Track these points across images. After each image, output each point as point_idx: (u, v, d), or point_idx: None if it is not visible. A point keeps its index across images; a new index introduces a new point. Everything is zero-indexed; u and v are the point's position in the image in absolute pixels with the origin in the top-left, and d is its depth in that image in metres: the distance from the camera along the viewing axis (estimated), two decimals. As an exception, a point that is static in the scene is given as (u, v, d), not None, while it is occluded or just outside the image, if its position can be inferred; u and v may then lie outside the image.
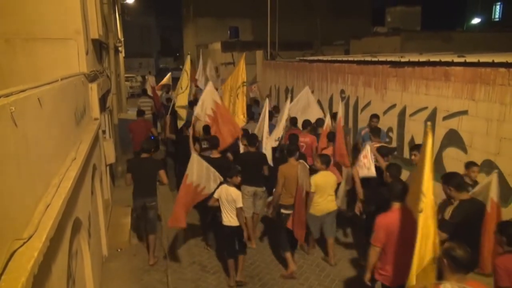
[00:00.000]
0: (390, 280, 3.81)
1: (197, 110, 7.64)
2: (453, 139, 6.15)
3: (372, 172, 5.88)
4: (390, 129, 7.51)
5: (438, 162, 6.40)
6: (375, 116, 7.31)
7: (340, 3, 25.68)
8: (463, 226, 3.91)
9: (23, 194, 2.32)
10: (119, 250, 6.55)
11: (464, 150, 5.97)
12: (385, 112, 7.65)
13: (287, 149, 6.04)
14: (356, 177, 5.84)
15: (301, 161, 5.61)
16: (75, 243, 3.92)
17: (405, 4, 17.72)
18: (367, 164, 5.99)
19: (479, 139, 5.74)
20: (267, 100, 7.84)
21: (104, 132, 7.63)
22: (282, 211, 5.85)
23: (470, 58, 6.04)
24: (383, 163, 5.56)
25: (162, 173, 6.04)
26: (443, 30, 16.71)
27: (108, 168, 7.87)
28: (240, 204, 5.22)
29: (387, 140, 7.40)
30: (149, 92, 13.21)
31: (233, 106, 8.42)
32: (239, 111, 8.24)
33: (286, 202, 5.74)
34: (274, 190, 5.93)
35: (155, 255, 6.17)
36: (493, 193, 4.22)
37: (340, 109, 6.71)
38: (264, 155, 6.70)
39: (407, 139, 7.15)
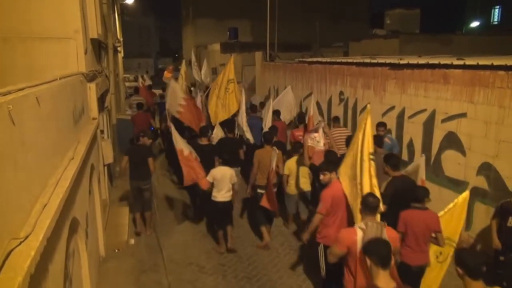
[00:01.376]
0: (331, 241, 4.29)
1: (167, 107, 8.94)
2: (451, 141, 6.16)
3: (321, 146, 6.54)
4: (388, 131, 7.52)
5: (436, 164, 6.41)
6: (381, 125, 6.79)
7: (339, 5, 25.75)
8: (396, 197, 4.69)
9: (20, 194, 2.31)
10: (116, 250, 6.52)
11: (463, 152, 5.98)
12: (383, 114, 7.66)
13: (264, 136, 6.92)
14: (305, 145, 6.38)
15: (274, 147, 6.30)
16: (72, 243, 3.90)
17: (404, 7, 17.77)
18: (317, 138, 6.70)
19: (477, 142, 5.74)
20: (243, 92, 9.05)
21: (102, 132, 7.60)
22: (258, 190, 6.62)
23: (469, 61, 6.06)
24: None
25: (150, 160, 6.75)
26: (442, 33, 16.76)
27: (106, 168, 7.85)
28: (235, 180, 6.19)
29: (395, 150, 6.72)
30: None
31: (222, 100, 9.40)
32: (229, 103, 9.27)
33: (261, 182, 6.53)
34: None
35: (150, 227, 7.14)
36: (422, 174, 5.19)
37: (312, 106, 7.67)
38: (240, 141, 7.97)
39: (405, 141, 7.15)
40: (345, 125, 9.03)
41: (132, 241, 6.84)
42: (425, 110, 6.68)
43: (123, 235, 6.86)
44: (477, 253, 2.83)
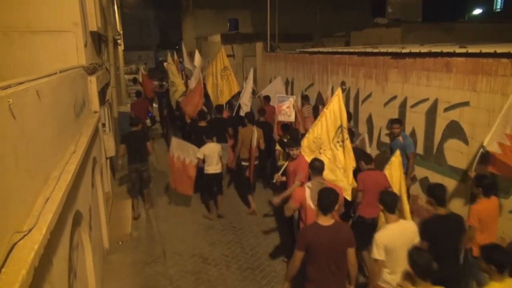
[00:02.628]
0: None
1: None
2: (454, 130, 6.12)
3: (292, 119, 7.94)
4: (391, 121, 7.49)
5: (439, 153, 6.38)
6: (396, 122, 6.49)
7: (340, -6, 25.46)
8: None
9: (22, 187, 2.31)
10: (120, 243, 6.57)
11: (466, 141, 5.95)
12: (385, 104, 7.62)
13: (246, 117, 7.86)
14: (276, 121, 7.82)
15: (255, 126, 7.48)
16: (76, 236, 3.92)
17: (406, -5, 17.57)
18: (288, 112, 8.00)
19: (480, 131, 5.70)
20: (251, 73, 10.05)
21: (104, 125, 7.61)
22: (243, 163, 7.69)
23: (472, 49, 5.99)
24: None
25: (148, 144, 7.51)
26: (444, 21, 16.58)
27: (108, 161, 7.87)
28: (221, 153, 7.26)
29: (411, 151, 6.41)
30: (140, 80, 15.12)
31: (220, 87, 10.27)
32: (228, 88, 10.13)
33: (245, 156, 7.61)
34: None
35: (148, 201, 7.96)
36: (367, 146, 6.32)
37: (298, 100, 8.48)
38: (227, 120, 8.87)
39: (408, 131, 7.11)
40: (347, 116, 8.98)
41: (136, 234, 6.88)
42: (427, 99, 6.63)
43: (126, 227, 6.90)
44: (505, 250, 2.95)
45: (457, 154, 6.06)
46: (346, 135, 5.42)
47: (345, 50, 9.87)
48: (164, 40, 43.94)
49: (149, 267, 5.89)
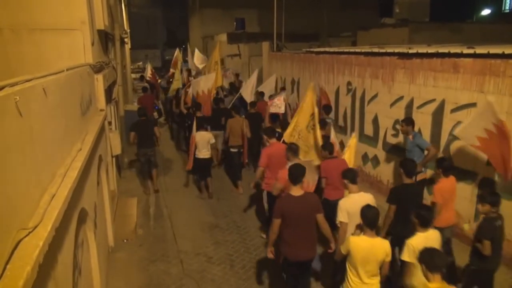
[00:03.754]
0: (271, 187, 5.78)
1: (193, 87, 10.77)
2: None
3: (282, 110, 8.93)
4: (397, 122, 7.45)
5: (446, 155, 6.33)
6: (402, 121, 6.58)
7: (347, -6, 25.36)
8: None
9: (28, 184, 2.33)
10: (125, 240, 6.59)
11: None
12: (392, 105, 7.59)
13: (233, 109, 9.21)
14: (267, 112, 8.74)
15: (243, 116, 8.96)
16: (81, 234, 3.94)
17: (413, -5, 17.48)
18: (279, 105, 8.95)
19: (487, 132, 5.66)
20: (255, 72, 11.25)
21: (110, 123, 7.64)
22: (231, 150, 8.85)
23: (480, 50, 5.95)
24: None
25: (156, 129, 8.53)
26: (452, 21, 16.46)
27: (114, 159, 7.90)
28: (213, 141, 8.16)
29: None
30: (147, 77, 16.43)
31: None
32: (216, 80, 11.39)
33: (233, 143, 8.75)
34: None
35: (155, 184, 8.73)
36: (333, 136, 6.75)
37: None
38: (224, 112, 9.71)
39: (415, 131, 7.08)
40: (353, 115, 8.99)
41: (141, 231, 6.91)
42: (434, 100, 6.59)
43: (131, 225, 6.93)
44: None
45: (465, 155, 6.01)
46: (316, 121, 6.54)
47: (352, 50, 9.84)
48: (171, 39, 43.98)
49: (153, 265, 5.91)
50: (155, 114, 12.60)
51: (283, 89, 10.62)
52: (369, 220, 3.83)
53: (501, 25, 15.59)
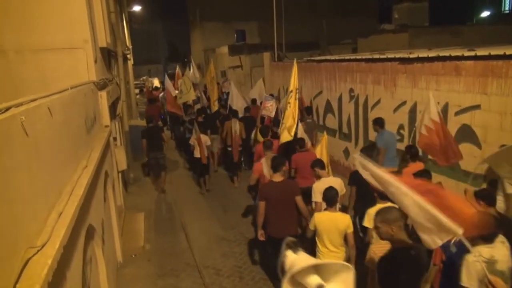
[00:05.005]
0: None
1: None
2: (466, 134, 6.05)
3: (272, 115, 9.50)
4: (401, 126, 7.43)
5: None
6: (374, 121, 7.20)
7: (346, 2, 25.53)
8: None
9: (35, 202, 2.34)
10: (133, 256, 6.58)
11: (478, 145, 5.87)
12: (395, 110, 7.57)
13: (231, 113, 10.29)
14: (259, 115, 9.70)
15: (237, 120, 9.78)
16: (89, 250, 3.95)
17: (412, 0, 17.56)
18: (270, 109, 9.53)
19: (493, 134, 5.63)
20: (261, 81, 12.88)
21: (115, 139, 7.68)
22: (228, 148, 9.96)
23: (481, 52, 5.94)
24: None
25: (164, 134, 9.66)
26: (452, 24, 16.47)
27: (120, 174, 7.93)
28: (209, 143, 9.34)
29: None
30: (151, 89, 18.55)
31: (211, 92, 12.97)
32: (213, 96, 12.75)
33: (230, 143, 9.79)
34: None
35: (164, 182, 9.64)
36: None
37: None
38: (218, 116, 11.17)
39: (418, 136, 7.05)
40: (357, 123, 9.00)
41: (149, 246, 6.90)
42: (437, 103, 6.57)
43: (139, 240, 6.92)
44: None
45: (470, 158, 5.97)
46: (294, 99, 7.08)
47: (353, 57, 9.87)
48: (173, 53, 44.41)
49: (162, 280, 5.88)
50: (160, 123, 13.02)
51: (271, 95, 11.18)
52: (328, 198, 4.61)
53: (501, 26, 15.59)
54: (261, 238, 5.16)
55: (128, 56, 16.52)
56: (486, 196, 4.04)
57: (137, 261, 6.46)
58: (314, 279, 1.77)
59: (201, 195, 9.35)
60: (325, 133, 7.17)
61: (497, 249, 3.22)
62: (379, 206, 4.22)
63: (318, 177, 5.54)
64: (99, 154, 4.41)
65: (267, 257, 5.57)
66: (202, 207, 8.56)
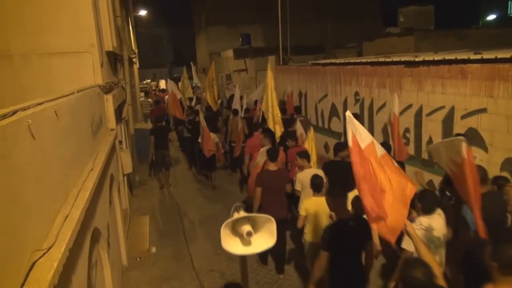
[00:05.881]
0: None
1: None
2: (472, 138, 6.00)
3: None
4: (407, 130, 7.40)
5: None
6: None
7: (350, 5, 25.53)
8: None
9: (42, 205, 2.35)
10: (138, 259, 6.59)
11: (485, 149, 5.83)
12: (401, 113, 7.54)
13: (233, 112, 11.10)
14: (255, 116, 10.30)
15: (240, 118, 10.36)
16: (94, 253, 3.95)
17: (417, 4, 17.49)
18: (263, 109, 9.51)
19: (500, 137, 5.59)
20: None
21: (120, 142, 7.72)
22: (231, 144, 10.60)
23: (487, 55, 5.91)
24: None
25: (171, 134, 10.99)
26: (457, 27, 16.40)
27: (125, 178, 7.95)
28: (217, 140, 9.94)
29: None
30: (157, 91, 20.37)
31: (212, 93, 13.72)
32: (211, 98, 13.57)
33: (233, 139, 10.48)
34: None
35: (168, 180, 10.48)
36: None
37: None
38: (218, 116, 12.49)
39: (424, 139, 7.01)
40: (362, 125, 9.00)
41: (154, 250, 6.90)
42: (443, 107, 6.54)
43: (144, 244, 6.93)
44: None
45: (477, 162, 5.93)
46: (270, 97, 8.22)
47: (358, 60, 9.85)
48: (178, 57, 44.60)
49: (167, 284, 5.88)
50: (163, 123, 13.86)
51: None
52: (314, 185, 5.14)
53: (507, 29, 15.49)
54: None
55: (134, 59, 16.64)
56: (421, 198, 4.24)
57: (142, 264, 6.47)
58: (246, 227, 2.37)
59: (206, 198, 9.37)
60: (311, 128, 7.67)
61: (435, 220, 3.97)
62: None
63: (301, 167, 6.04)
64: (105, 157, 4.43)
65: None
66: (207, 210, 8.55)
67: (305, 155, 6.15)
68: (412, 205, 3.96)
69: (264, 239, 2.44)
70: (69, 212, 2.68)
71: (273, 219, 2.40)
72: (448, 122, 6.47)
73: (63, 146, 3.03)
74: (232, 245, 2.50)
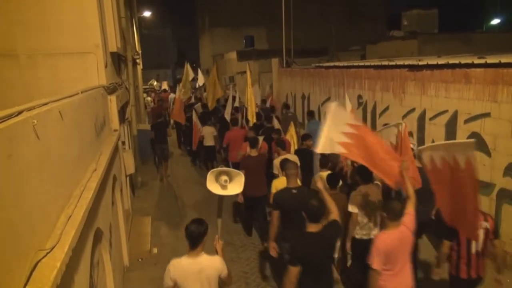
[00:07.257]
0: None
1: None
2: (476, 142, 5.99)
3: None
4: (410, 134, 7.38)
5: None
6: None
7: (355, 8, 25.55)
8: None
9: (45, 205, 2.37)
10: (140, 259, 6.59)
11: (488, 153, 5.82)
12: (404, 117, 7.54)
13: (231, 121, 11.09)
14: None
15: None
16: (96, 253, 3.97)
17: (421, 7, 17.49)
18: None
19: (503, 142, 5.58)
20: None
21: (123, 143, 7.74)
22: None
23: (491, 59, 5.90)
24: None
25: (168, 130, 11.36)
26: (461, 31, 16.38)
27: (128, 178, 7.97)
28: (215, 133, 10.73)
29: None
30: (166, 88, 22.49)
31: (213, 94, 13.79)
32: (215, 94, 13.56)
33: None
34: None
35: (167, 172, 11.15)
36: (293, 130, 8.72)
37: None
38: (214, 114, 12.73)
39: (428, 143, 7.00)
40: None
41: (155, 250, 6.90)
42: (446, 111, 6.54)
43: (146, 244, 6.93)
44: None
45: (480, 167, 5.90)
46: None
47: (361, 63, 9.86)
48: (182, 58, 44.70)
49: (168, 284, 5.87)
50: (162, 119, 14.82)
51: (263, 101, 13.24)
52: (281, 166, 5.82)
53: (511, 34, 15.47)
54: (241, 200, 6.95)
55: (138, 60, 16.68)
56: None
57: (144, 265, 6.47)
58: (223, 177, 3.71)
59: (207, 199, 9.25)
60: (292, 123, 8.81)
61: (371, 188, 4.84)
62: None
63: (278, 154, 6.91)
64: (108, 158, 4.45)
65: (271, 260, 5.72)
66: (209, 211, 8.54)
67: (280, 144, 7.05)
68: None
69: (235, 187, 3.78)
70: (72, 212, 2.70)
71: (242, 174, 3.75)
72: (451, 126, 6.46)
73: (67, 146, 3.04)
74: (214, 187, 3.76)
